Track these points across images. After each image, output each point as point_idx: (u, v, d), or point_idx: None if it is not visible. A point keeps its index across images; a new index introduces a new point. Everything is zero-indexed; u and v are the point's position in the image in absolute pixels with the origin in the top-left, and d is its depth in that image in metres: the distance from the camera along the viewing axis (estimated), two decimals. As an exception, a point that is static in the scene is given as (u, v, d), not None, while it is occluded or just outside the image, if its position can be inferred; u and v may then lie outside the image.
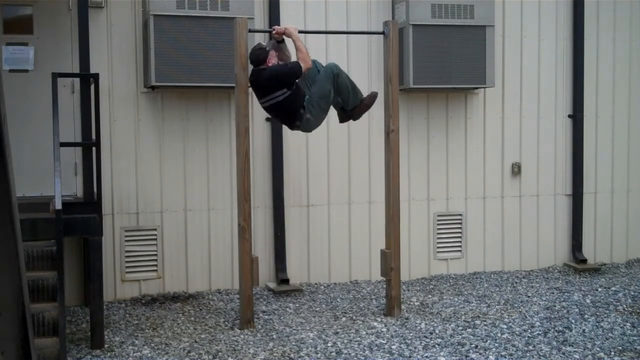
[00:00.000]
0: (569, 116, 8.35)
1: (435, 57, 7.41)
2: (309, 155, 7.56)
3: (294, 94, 5.98)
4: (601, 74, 8.47)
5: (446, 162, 8.00)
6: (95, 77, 5.82)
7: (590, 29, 8.35)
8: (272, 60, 6.01)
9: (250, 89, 6.17)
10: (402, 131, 7.26)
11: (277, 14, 7.30)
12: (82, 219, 5.65)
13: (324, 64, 6.56)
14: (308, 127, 6.17)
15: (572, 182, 8.39)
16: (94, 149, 5.78)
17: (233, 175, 6.90)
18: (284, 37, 6.23)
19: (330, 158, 7.64)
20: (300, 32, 6.28)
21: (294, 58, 6.33)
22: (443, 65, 7.45)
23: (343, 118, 6.46)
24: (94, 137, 5.80)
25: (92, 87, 5.82)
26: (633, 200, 8.68)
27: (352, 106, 6.32)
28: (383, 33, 6.40)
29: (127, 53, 7.01)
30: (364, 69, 7.68)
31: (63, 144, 5.63)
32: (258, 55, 6.02)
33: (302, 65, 5.96)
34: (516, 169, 8.21)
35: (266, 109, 6.11)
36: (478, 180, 8.11)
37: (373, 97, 6.36)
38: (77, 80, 6.50)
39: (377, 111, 7.49)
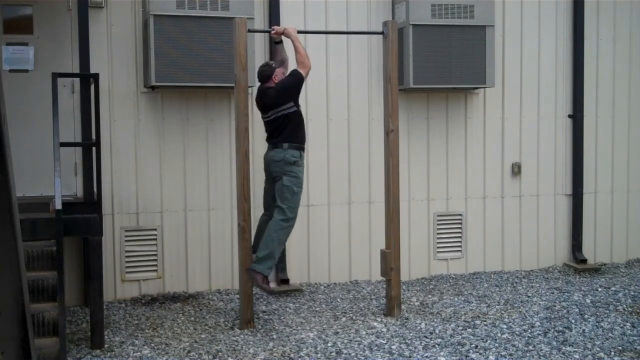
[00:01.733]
0: (569, 116, 8.35)
1: (435, 57, 7.41)
2: (309, 155, 7.53)
3: (299, 114, 6.13)
4: (601, 74, 8.47)
5: (446, 162, 8.00)
6: (95, 77, 5.81)
7: (590, 29, 8.35)
8: (278, 78, 6.09)
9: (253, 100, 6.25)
10: (402, 131, 7.26)
11: (277, 14, 7.30)
12: (82, 219, 5.65)
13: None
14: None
15: (572, 182, 8.38)
16: (94, 149, 5.78)
17: (233, 175, 6.89)
18: (283, 37, 6.25)
19: (330, 158, 7.64)
20: (300, 32, 6.30)
21: (292, 59, 6.38)
22: (443, 65, 7.44)
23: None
24: (94, 137, 5.79)
25: (92, 87, 5.82)
26: (633, 200, 8.68)
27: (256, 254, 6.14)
28: (382, 33, 6.40)
29: (127, 53, 7.01)
30: (364, 69, 7.68)
31: (63, 144, 5.63)
32: (263, 71, 6.10)
33: (301, 71, 6.04)
34: (516, 169, 8.21)
35: (269, 122, 6.12)
36: (478, 180, 8.10)
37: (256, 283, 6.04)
38: (77, 80, 6.50)
39: (377, 111, 7.50)
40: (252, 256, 6.13)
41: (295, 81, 6.07)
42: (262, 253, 5.98)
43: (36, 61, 6.77)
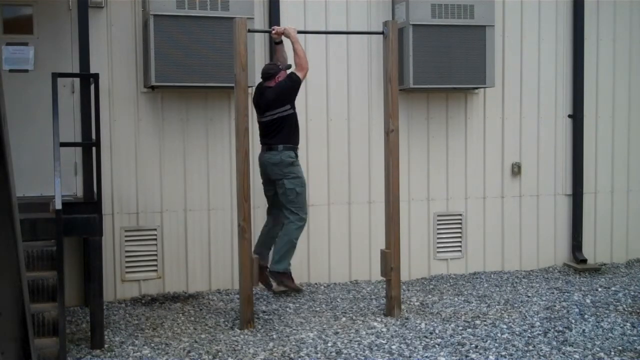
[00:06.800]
0: (569, 116, 8.35)
1: (435, 57, 7.41)
2: (308, 155, 7.55)
3: (295, 116, 6.32)
4: (601, 73, 8.47)
5: (446, 162, 8.00)
6: (95, 77, 5.81)
7: (590, 29, 8.35)
8: (281, 79, 6.27)
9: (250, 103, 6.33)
10: (402, 131, 7.26)
11: (277, 14, 7.29)
12: (82, 219, 5.65)
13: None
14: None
15: (572, 182, 8.38)
16: (94, 149, 5.78)
17: (233, 175, 6.89)
18: (283, 37, 6.27)
19: (330, 158, 7.64)
20: (300, 32, 6.30)
21: (290, 59, 6.39)
22: (443, 65, 7.44)
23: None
24: (94, 137, 5.80)
25: (92, 87, 5.82)
26: (633, 200, 8.68)
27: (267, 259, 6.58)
28: (382, 33, 6.40)
29: (127, 53, 7.01)
30: (364, 69, 7.68)
31: (63, 144, 5.63)
32: (269, 69, 6.30)
33: (299, 74, 6.15)
34: (516, 169, 8.21)
35: (265, 123, 6.31)
36: (478, 180, 8.10)
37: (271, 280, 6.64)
38: (77, 80, 6.50)
39: (377, 111, 7.50)
40: (253, 256, 6.14)
41: (293, 84, 6.24)
42: (280, 252, 6.33)
43: (36, 61, 6.77)
